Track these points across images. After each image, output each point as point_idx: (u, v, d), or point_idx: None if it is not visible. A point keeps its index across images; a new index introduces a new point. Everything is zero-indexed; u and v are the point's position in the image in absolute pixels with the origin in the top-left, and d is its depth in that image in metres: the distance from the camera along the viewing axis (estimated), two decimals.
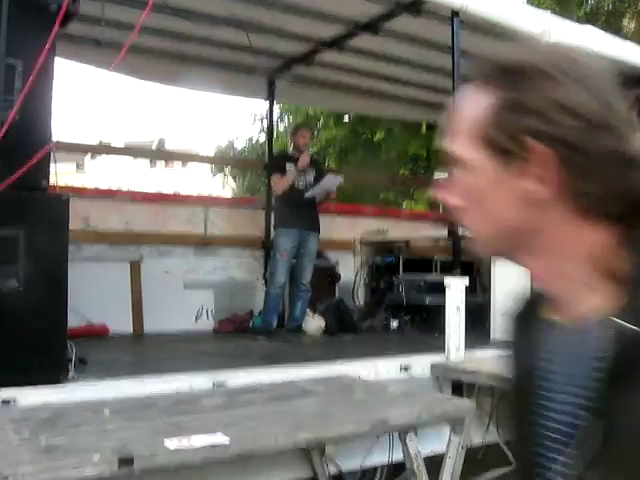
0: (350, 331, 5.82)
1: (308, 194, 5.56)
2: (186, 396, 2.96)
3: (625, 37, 12.10)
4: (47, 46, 2.90)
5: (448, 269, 4.50)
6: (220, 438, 2.18)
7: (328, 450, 3.16)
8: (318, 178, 5.71)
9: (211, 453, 2.12)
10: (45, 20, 2.96)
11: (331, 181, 5.70)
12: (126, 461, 1.95)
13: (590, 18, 13.18)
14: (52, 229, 2.96)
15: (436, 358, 4.05)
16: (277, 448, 2.28)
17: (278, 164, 5.75)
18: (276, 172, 5.65)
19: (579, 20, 11.93)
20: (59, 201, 3.00)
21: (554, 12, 6.17)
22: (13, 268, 2.82)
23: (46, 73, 2.96)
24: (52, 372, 2.91)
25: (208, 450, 2.11)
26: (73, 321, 4.13)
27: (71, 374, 3.01)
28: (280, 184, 5.57)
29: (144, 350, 4.98)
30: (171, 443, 2.10)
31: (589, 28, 5.32)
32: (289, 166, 5.58)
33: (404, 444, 2.73)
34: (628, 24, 14.94)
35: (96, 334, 5.12)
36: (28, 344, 2.84)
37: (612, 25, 13.70)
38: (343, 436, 2.48)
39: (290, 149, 6.07)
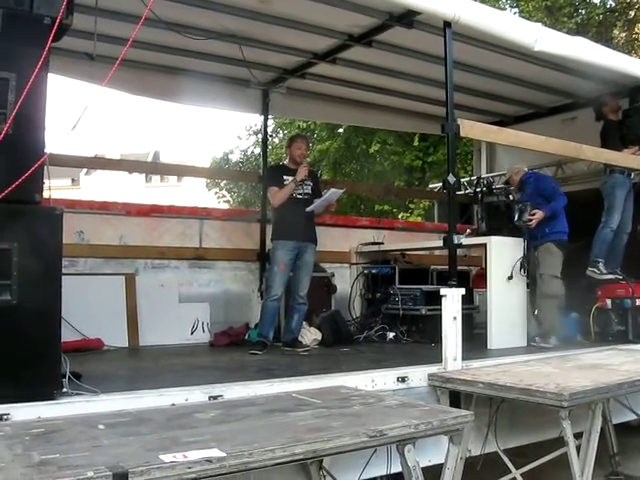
0: (346, 343, 5.79)
1: (310, 208, 5.54)
2: (182, 410, 2.93)
3: (616, 47, 12.21)
4: (41, 59, 2.90)
5: (444, 279, 4.49)
6: (216, 452, 2.16)
7: (325, 463, 3.14)
8: (315, 188, 5.70)
9: (207, 468, 2.09)
10: (39, 33, 2.96)
11: (333, 195, 5.67)
12: (120, 476, 1.93)
13: (581, 29, 13.28)
14: (45, 243, 2.94)
15: (433, 368, 4.03)
16: (274, 462, 2.25)
17: (275, 176, 5.70)
18: (273, 184, 5.60)
19: (570, 31, 12.03)
20: (52, 215, 2.98)
21: (544, 24, 6.20)
22: (6, 282, 2.80)
23: (39, 86, 2.95)
24: (46, 387, 2.88)
25: (204, 465, 2.09)
26: (67, 335, 4.12)
27: (65, 389, 2.98)
28: (278, 196, 5.51)
29: (139, 364, 4.94)
30: (166, 458, 2.08)
31: (580, 39, 5.34)
32: (286, 178, 5.56)
33: (402, 455, 2.70)
34: (619, 34, 15.05)
35: (91, 348, 5.11)
36: (22, 359, 2.81)
37: (603, 35, 13.81)
38: (341, 448, 2.46)
39: (286, 160, 6.05)
